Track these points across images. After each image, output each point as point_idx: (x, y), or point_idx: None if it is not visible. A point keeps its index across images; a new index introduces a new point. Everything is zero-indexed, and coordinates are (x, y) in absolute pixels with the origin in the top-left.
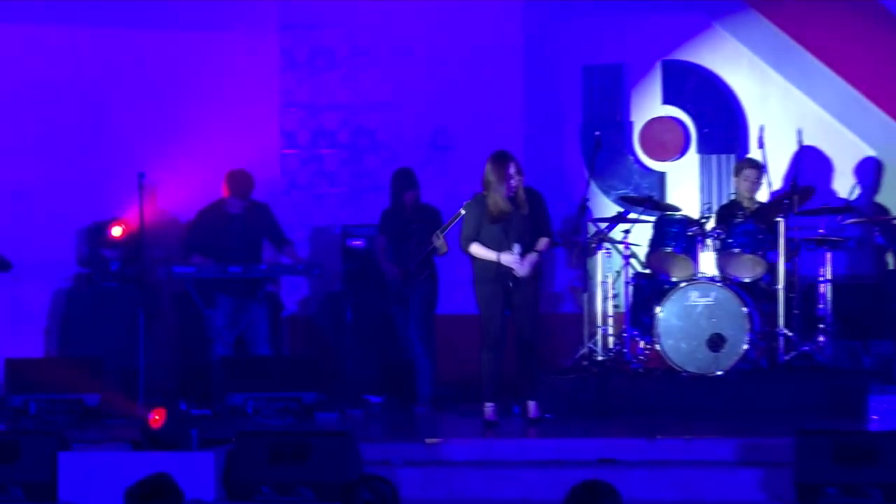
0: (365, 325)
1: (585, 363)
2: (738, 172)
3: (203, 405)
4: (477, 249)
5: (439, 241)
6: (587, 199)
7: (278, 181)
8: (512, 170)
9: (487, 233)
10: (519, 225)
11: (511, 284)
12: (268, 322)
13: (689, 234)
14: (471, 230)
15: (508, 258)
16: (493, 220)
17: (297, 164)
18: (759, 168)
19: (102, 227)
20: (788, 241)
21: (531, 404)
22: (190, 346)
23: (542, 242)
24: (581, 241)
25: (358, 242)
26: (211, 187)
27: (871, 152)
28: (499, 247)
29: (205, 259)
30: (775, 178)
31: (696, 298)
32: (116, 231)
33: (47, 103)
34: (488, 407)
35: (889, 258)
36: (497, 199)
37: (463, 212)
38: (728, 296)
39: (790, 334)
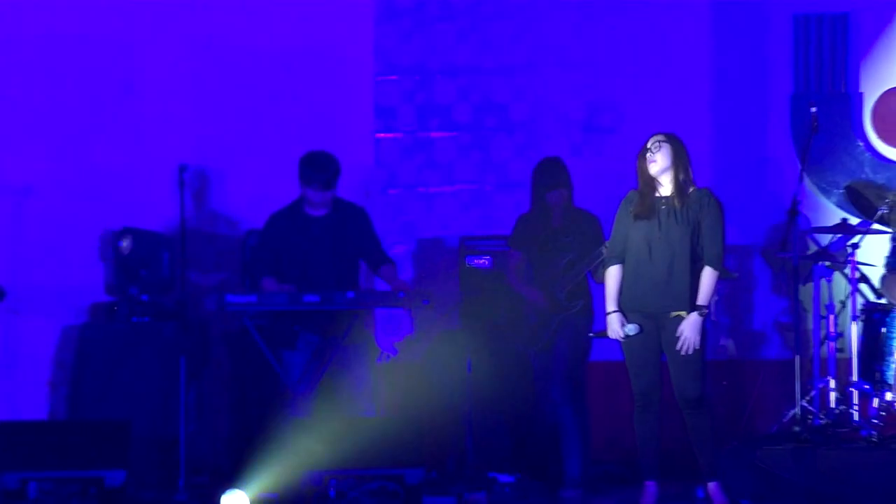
0: (492, 376)
1: (797, 429)
2: None
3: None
4: (609, 277)
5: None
6: (799, 202)
7: (371, 176)
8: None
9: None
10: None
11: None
12: (364, 371)
13: None
14: (615, 243)
15: (615, 328)
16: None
17: (396, 152)
18: None
19: (134, 239)
20: None
21: (711, 486)
22: (250, 405)
23: (707, 278)
24: (791, 259)
25: (482, 261)
26: (280, 184)
27: None
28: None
29: (278, 284)
30: None
31: None
32: (123, 243)
33: (55, 64)
34: (647, 488)
35: None
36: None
37: None
38: None
39: None
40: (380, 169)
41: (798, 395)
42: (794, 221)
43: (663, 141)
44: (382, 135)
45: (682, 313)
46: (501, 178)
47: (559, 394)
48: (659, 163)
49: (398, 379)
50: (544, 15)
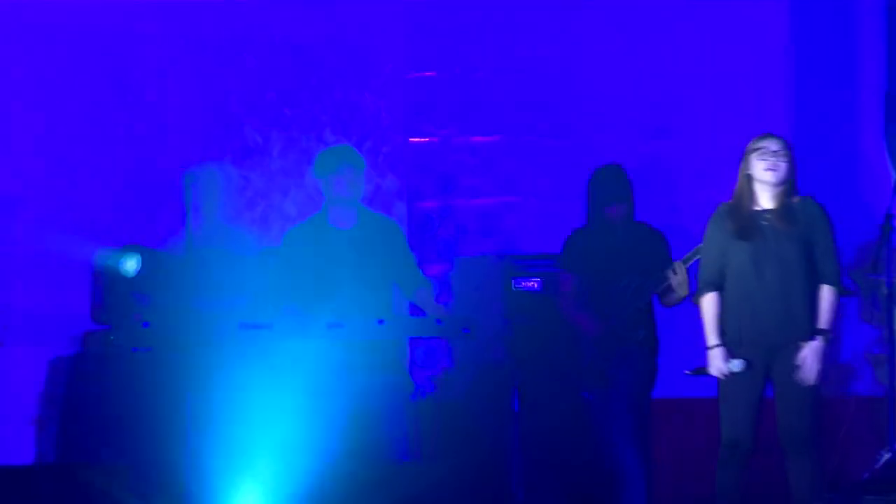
0: (542, 415)
1: (894, 475)
2: None
3: None
4: (707, 307)
5: (679, 278)
6: (893, 216)
7: (403, 185)
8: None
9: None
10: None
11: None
12: (396, 410)
13: None
14: (710, 267)
15: (719, 364)
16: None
17: (428, 157)
18: None
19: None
20: None
21: None
22: (266, 452)
23: (828, 298)
24: (883, 281)
25: (531, 284)
26: (300, 194)
27: None
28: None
29: (298, 310)
30: None
31: None
32: (129, 264)
33: (49, 63)
34: None
35: None
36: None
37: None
38: None
39: None
40: (413, 178)
41: (892, 437)
42: (888, 239)
43: (785, 146)
44: (416, 139)
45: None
46: (553, 189)
47: (619, 436)
48: (782, 171)
49: (436, 419)
50: (602, 3)
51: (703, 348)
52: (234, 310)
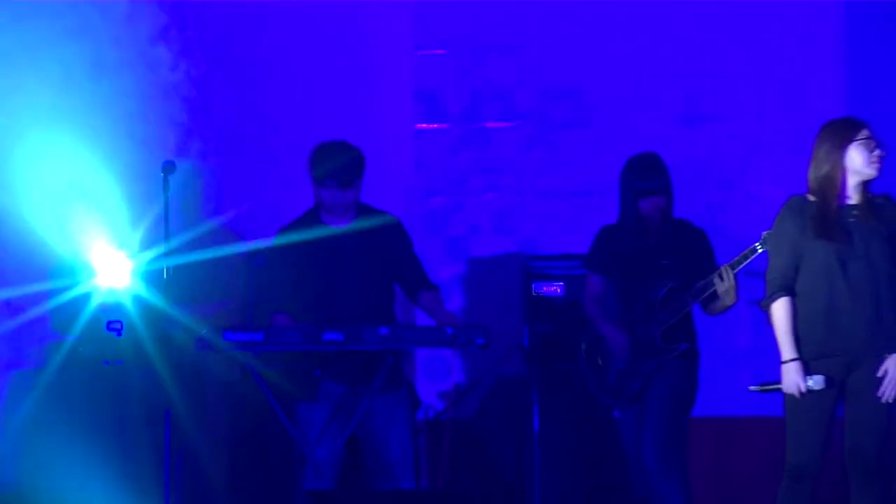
0: (566, 436)
1: None
2: None
3: None
4: (782, 314)
5: (726, 284)
6: None
7: (409, 178)
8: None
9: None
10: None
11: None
12: (401, 430)
13: None
14: (783, 268)
15: (795, 380)
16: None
17: (441, 147)
18: None
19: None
20: None
21: None
22: (255, 475)
23: None
24: None
25: (553, 288)
26: (293, 188)
27: None
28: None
29: (290, 318)
30: None
31: None
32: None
33: None
34: None
35: None
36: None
37: (759, 247)
38: None
39: None
40: (420, 169)
41: None
42: None
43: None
44: (424, 125)
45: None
46: (578, 182)
47: (653, 459)
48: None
49: (444, 438)
50: None
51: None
52: (218, 317)
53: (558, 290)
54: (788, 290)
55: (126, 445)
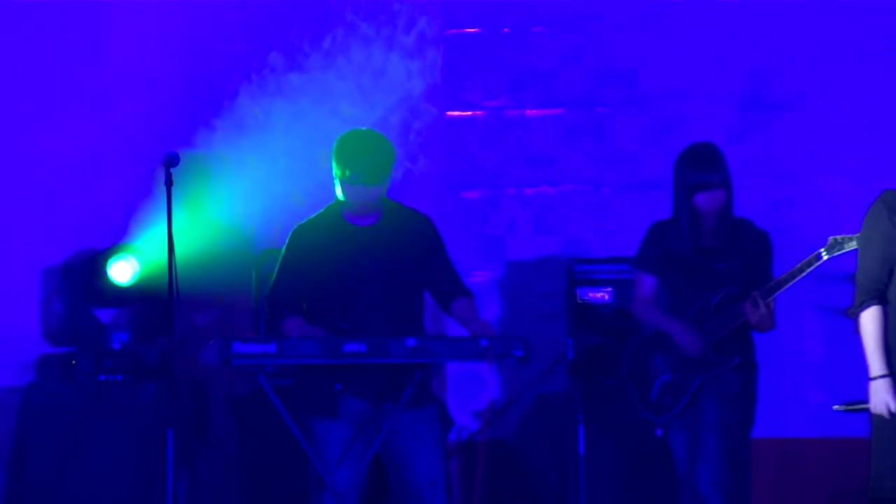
0: (614, 460)
1: None
2: None
3: None
4: (872, 324)
5: (759, 312)
6: None
7: (439, 171)
8: None
9: None
10: None
11: None
12: (431, 451)
13: None
14: (875, 273)
15: (887, 399)
16: None
17: (475, 137)
18: None
19: (95, 266)
20: None
21: None
22: (266, 499)
23: None
24: None
25: (600, 295)
26: (310, 181)
27: None
28: None
29: (304, 323)
30: None
31: None
32: (121, 272)
33: None
34: None
35: None
36: None
37: (824, 254)
38: None
39: None
40: (452, 161)
41: None
42: None
43: None
44: (455, 112)
45: None
46: (630, 175)
47: (708, 486)
48: None
49: (479, 463)
50: None
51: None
52: (226, 327)
53: (606, 297)
54: (880, 298)
55: (123, 469)
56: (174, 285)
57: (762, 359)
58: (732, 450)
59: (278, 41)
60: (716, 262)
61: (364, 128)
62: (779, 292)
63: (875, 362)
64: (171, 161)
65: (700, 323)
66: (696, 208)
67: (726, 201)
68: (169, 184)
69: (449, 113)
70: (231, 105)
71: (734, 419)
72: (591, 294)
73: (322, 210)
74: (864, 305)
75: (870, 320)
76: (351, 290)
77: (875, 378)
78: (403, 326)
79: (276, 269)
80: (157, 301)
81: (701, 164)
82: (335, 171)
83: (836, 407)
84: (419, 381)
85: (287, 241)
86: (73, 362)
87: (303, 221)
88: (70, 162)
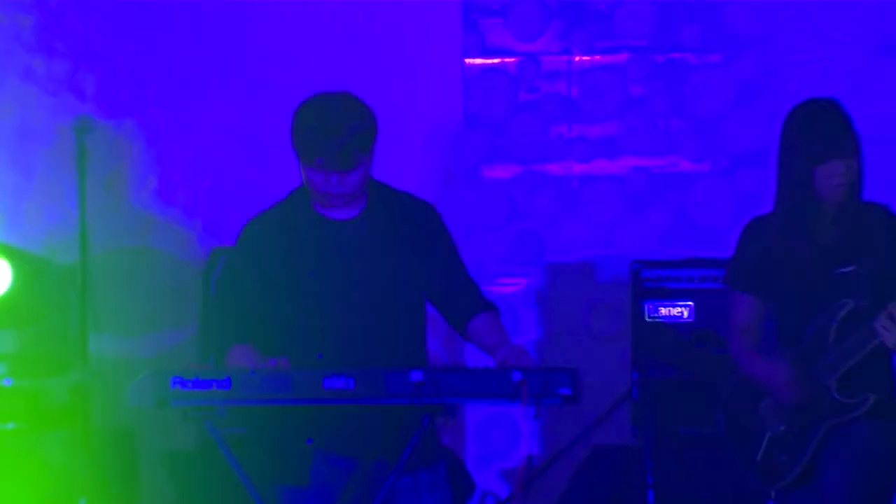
0: None
1: None
2: None
3: None
4: None
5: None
6: None
7: (454, 141)
8: None
9: None
10: None
11: None
12: None
13: None
14: None
15: None
16: None
17: (501, 93)
18: None
19: None
20: None
21: None
22: None
23: None
24: None
25: (677, 311)
26: (279, 161)
27: None
28: None
29: (254, 351)
30: None
31: None
32: None
33: None
34: None
35: None
36: None
37: None
38: None
39: None
40: (471, 129)
41: None
42: None
43: None
44: (475, 60)
45: None
46: (715, 148)
47: None
48: None
49: None
50: None
51: None
52: (163, 353)
53: (685, 314)
54: None
55: None
56: (85, 303)
57: None
58: None
59: None
60: (838, 266)
61: (334, 91)
62: None
63: None
64: (84, 125)
65: (818, 351)
66: (812, 188)
67: (854, 177)
68: (83, 156)
69: (467, 60)
70: (170, 60)
71: (870, 481)
72: (663, 310)
73: (285, 198)
74: None
75: None
76: (327, 306)
77: None
78: (401, 354)
79: (225, 277)
80: (57, 320)
81: (818, 127)
82: (296, 151)
83: None
84: (426, 429)
85: (237, 240)
86: None
87: (256, 216)
88: None
